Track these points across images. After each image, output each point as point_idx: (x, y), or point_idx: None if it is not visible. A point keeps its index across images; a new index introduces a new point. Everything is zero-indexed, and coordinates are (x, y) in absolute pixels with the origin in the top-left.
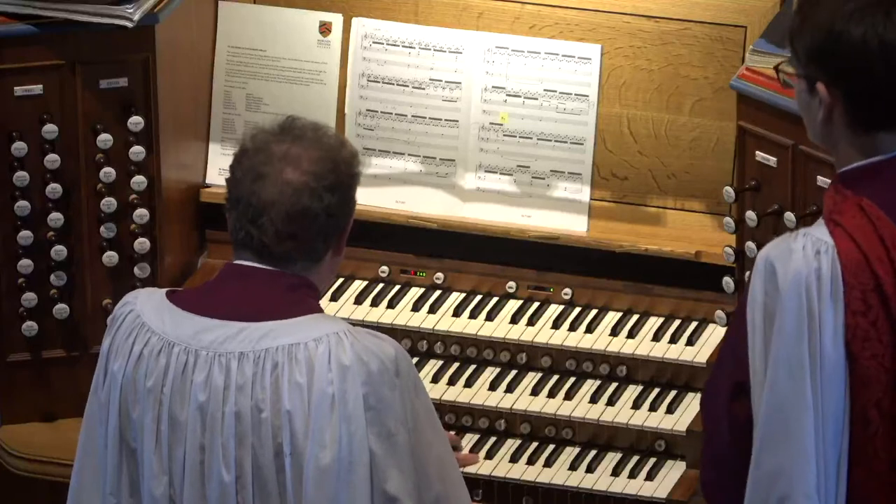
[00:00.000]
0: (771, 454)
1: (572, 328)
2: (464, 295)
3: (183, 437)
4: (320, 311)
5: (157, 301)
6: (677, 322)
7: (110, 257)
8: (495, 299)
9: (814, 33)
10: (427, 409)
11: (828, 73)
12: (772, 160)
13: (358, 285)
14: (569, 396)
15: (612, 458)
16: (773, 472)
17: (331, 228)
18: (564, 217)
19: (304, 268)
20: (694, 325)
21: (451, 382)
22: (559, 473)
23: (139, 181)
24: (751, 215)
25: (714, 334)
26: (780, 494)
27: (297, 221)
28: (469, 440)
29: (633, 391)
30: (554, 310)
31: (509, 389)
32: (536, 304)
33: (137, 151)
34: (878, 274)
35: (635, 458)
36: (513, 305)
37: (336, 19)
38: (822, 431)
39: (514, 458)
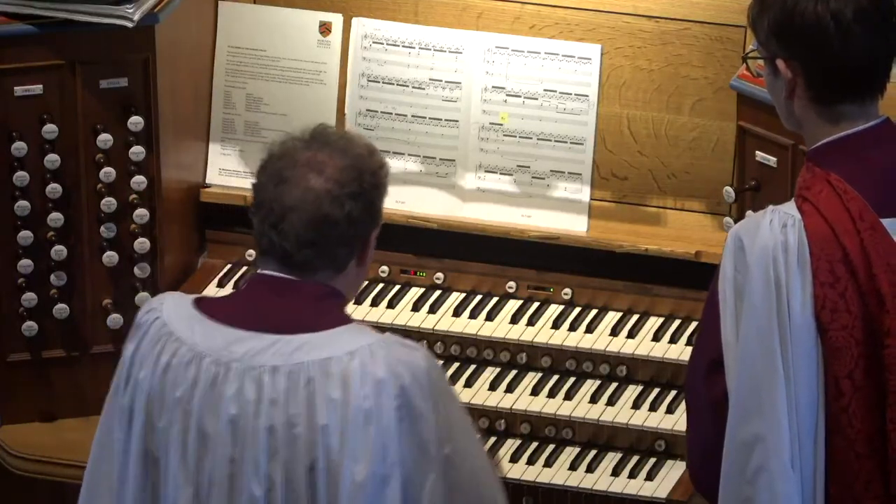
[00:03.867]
0: (745, 425)
1: (572, 328)
2: (464, 295)
3: (212, 449)
4: (349, 321)
5: (185, 310)
6: (677, 322)
7: (110, 257)
8: (495, 299)
9: (771, 12)
10: (461, 418)
11: (786, 48)
12: (772, 160)
13: None
14: (569, 396)
15: (612, 458)
16: (747, 443)
17: (352, 237)
18: (564, 217)
19: (327, 277)
20: (694, 325)
21: (451, 382)
22: (559, 473)
23: (139, 181)
24: (751, 215)
25: None
26: (756, 465)
27: (318, 228)
28: None
29: (633, 391)
30: (554, 310)
31: (509, 389)
32: (536, 304)
33: (137, 151)
34: (846, 246)
35: (635, 458)
36: (513, 305)
37: (336, 19)
38: (796, 402)
39: (514, 458)
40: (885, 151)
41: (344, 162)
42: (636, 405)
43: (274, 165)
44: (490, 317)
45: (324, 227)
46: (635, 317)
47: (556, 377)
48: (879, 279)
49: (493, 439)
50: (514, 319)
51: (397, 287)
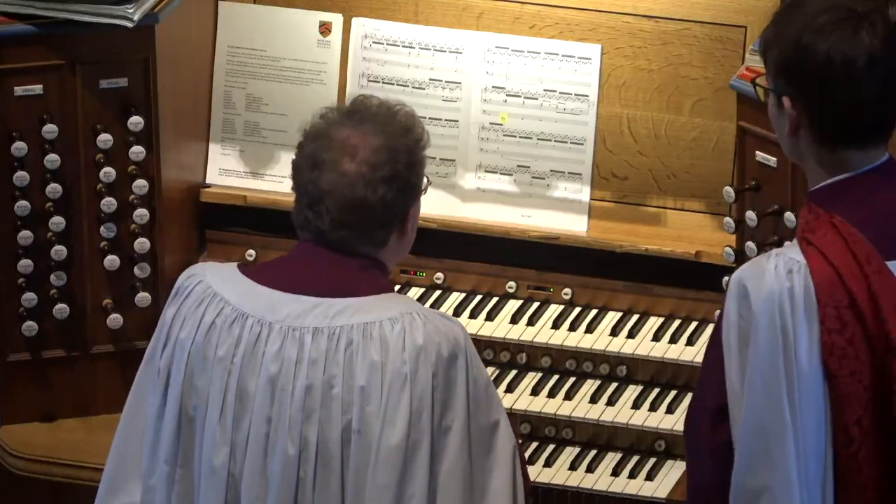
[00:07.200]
0: (752, 475)
1: (572, 328)
2: (464, 295)
3: (250, 408)
4: (391, 289)
5: (229, 273)
6: (677, 322)
7: (110, 258)
8: (495, 299)
9: (782, 46)
10: (485, 383)
11: (794, 87)
12: (772, 160)
13: None
14: (569, 396)
15: (612, 458)
16: (754, 492)
17: (388, 217)
18: (564, 217)
19: (369, 250)
20: (694, 325)
21: None
22: (559, 473)
23: (139, 181)
24: (751, 215)
25: None
26: None
27: (352, 211)
28: None
29: (633, 391)
30: (554, 310)
31: (509, 389)
32: (536, 304)
33: (137, 151)
34: (852, 290)
35: (635, 458)
36: (513, 305)
37: (336, 19)
38: (803, 450)
39: None
40: (890, 192)
41: (378, 142)
42: (636, 405)
43: (310, 146)
44: (490, 317)
45: (358, 211)
46: (635, 317)
47: (556, 377)
48: (888, 324)
49: None
50: (514, 319)
51: (397, 287)
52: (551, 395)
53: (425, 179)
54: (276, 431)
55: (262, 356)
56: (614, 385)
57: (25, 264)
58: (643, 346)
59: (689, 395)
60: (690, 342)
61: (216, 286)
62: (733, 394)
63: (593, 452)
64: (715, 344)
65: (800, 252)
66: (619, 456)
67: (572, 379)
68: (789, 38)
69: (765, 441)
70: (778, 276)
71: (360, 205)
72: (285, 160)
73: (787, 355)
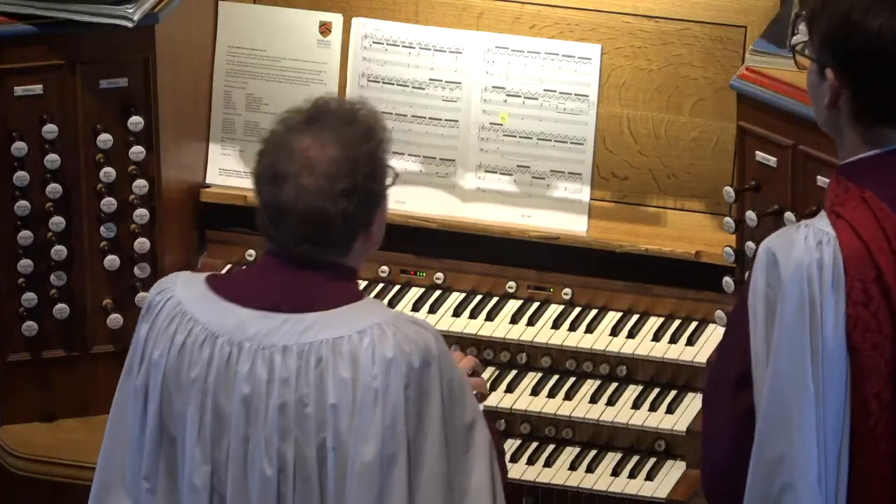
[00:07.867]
0: (773, 443)
1: (572, 328)
2: (464, 295)
3: (228, 428)
4: (360, 296)
5: (197, 289)
6: (677, 322)
7: (110, 258)
8: (495, 299)
9: (831, 19)
10: (459, 384)
11: (839, 60)
12: (772, 160)
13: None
14: (569, 396)
15: (612, 458)
16: (774, 461)
17: (352, 227)
18: (564, 217)
19: (335, 258)
20: (694, 325)
21: None
22: (559, 473)
23: (139, 181)
24: (751, 215)
25: (714, 334)
26: (782, 483)
27: (314, 226)
28: None
29: (633, 391)
30: (554, 310)
31: (509, 389)
32: (536, 304)
33: (137, 151)
34: (880, 265)
35: (635, 458)
36: (513, 305)
37: (336, 19)
38: (823, 421)
39: (514, 458)
40: None
41: (336, 152)
42: (636, 405)
43: (269, 157)
44: (490, 317)
45: (320, 225)
46: (635, 317)
47: (556, 377)
48: None
49: None
50: (514, 319)
51: (397, 287)
52: (551, 395)
53: (391, 175)
54: (253, 451)
55: (234, 376)
56: (614, 385)
57: (25, 264)
58: (643, 346)
59: (690, 396)
60: (690, 342)
61: (186, 304)
62: (758, 363)
63: (593, 452)
64: (739, 312)
65: (829, 224)
66: (619, 456)
67: (572, 379)
68: (838, 13)
69: (786, 411)
70: (808, 246)
71: (321, 217)
72: None
73: (813, 326)
